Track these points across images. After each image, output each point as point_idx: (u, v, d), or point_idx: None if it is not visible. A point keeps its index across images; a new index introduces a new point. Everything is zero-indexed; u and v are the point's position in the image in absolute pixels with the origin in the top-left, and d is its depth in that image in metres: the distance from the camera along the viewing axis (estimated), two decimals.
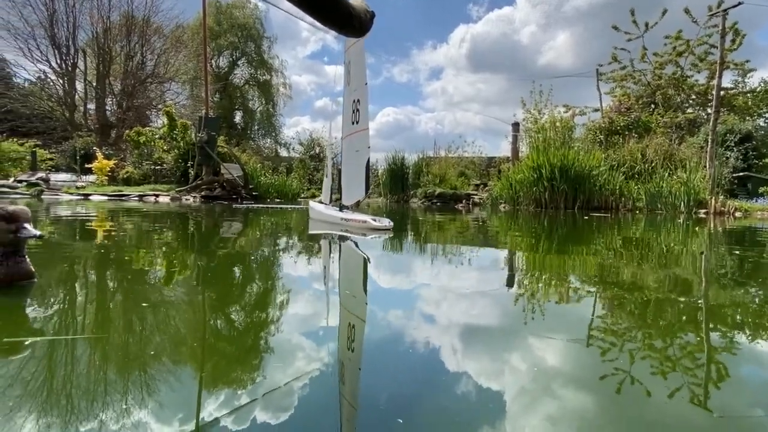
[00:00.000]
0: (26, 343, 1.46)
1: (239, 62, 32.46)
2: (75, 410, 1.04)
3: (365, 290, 2.54)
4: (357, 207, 6.96)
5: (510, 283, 2.80)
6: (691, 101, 19.24)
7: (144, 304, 1.98)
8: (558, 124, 14.93)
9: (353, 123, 6.36)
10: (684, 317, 1.98)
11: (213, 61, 30.20)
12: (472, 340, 1.64)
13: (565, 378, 1.29)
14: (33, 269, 2.20)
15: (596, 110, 19.36)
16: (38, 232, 2.09)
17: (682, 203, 11.44)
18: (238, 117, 33.14)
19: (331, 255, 3.93)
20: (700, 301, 2.33)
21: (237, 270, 3.01)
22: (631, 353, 1.49)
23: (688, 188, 11.40)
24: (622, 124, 15.47)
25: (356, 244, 4.46)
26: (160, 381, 1.22)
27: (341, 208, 6.69)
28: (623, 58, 19.68)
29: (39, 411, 1.04)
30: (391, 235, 5.23)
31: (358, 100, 6.26)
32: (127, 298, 2.13)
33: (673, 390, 1.21)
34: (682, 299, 2.33)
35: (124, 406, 1.07)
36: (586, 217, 9.55)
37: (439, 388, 1.22)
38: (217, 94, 30.53)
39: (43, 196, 13.49)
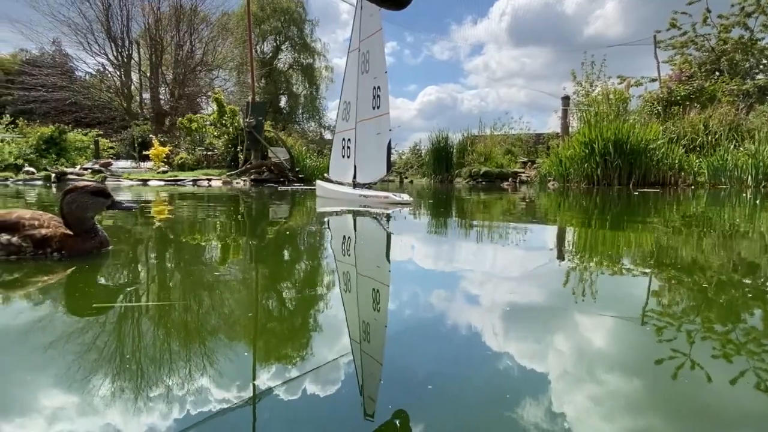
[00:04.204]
0: (114, 308, 1.64)
1: (283, 47, 32.86)
2: (160, 371, 1.13)
3: (388, 259, 2.63)
4: (376, 185, 7.66)
5: (557, 257, 2.73)
6: (761, 66, 17.72)
7: (215, 274, 2.19)
8: (611, 96, 14.19)
9: (374, 108, 6.92)
10: (750, 297, 1.87)
11: (257, 46, 30.74)
12: (513, 316, 1.63)
13: (614, 358, 1.26)
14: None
15: (653, 80, 18.21)
16: (135, 205, 2.43)
17: (750, 177, 10.67)
18: (283, 101, 33.71)
19: (362, 230, 4.04)
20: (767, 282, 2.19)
21: (286, 243, 3.12)
22: (690, 334, 1.43)
23: (756, 160, 10.59)
24: (682, 94, 14.48)
25: (387, 219, 4.64)
26: (240, 336, 1.30)
27: (354, 185, 7.20)
28: (683, 23, 18.33)
29: (126, 369, 1.13)
30: (415, 210, 5.55)
31: (379, 87, 6.86)
32: (198, 269, 2.31)
33: (736, 375, 1.16)
34: (749, 278, 2.20)
35: (208, 363, 1.15)
36: (636, 193, 9.11)
37: (475, 356, 1.22)
38: (262, 80, 31.12)
39: (106, 182, 14.36)
